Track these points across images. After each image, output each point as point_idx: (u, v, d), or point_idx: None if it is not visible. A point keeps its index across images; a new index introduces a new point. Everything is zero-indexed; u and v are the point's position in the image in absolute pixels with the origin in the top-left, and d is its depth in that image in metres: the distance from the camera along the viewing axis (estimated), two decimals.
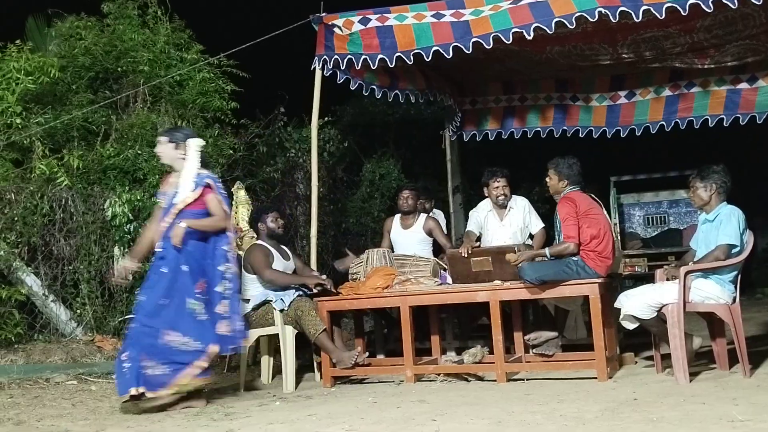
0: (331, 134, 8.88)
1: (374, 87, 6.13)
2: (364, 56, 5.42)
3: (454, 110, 7.43)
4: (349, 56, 5.47)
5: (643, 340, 5.06)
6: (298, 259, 5.47)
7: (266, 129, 8.31)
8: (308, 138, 6.83)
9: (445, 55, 5.18)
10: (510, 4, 5.06)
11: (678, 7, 4.69)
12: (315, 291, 5.17)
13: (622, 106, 7.10)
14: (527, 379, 4.60)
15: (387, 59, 5.37)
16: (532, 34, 4.95)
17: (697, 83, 6.87)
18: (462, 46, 5.13)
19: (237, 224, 6.14)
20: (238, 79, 7.72)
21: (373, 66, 5.53)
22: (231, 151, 7.42)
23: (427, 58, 5.28)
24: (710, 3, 4.60)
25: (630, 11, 4.74)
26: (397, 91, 6.35)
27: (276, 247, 5.27)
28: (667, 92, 6.98)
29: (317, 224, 5.85)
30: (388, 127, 10.38)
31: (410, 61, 5.38)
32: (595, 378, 4.38)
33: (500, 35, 5.01)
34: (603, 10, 4.76)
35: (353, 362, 4.84)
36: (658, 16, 4.73)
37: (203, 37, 8.01)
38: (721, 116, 6.85)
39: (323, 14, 5.66)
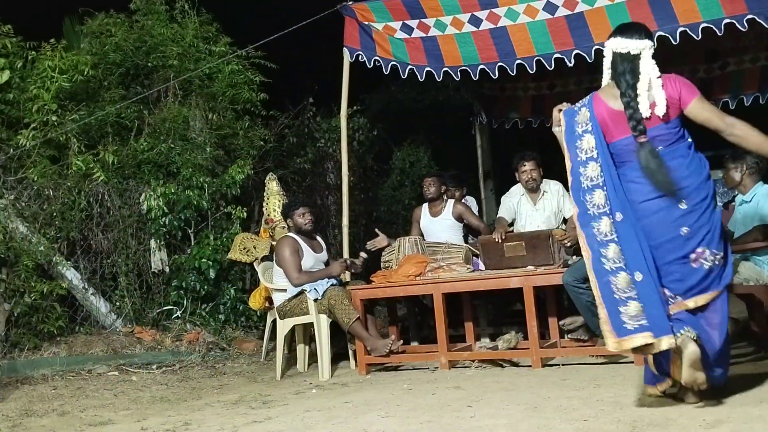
0: (361, 123, 8.88)
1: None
2: (410, 66, 5.60)
3: (476, 105, 7.50)
4: (393, 62, 5.65)
5: None
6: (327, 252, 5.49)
7: (296, 120, 8.35)
8: (338, 127, 6.84)
9: (492, 74, 5.38)
10: (546, 13, 5.06)
11: (714, 28, 4.69)
12: (347, 279, 5.20)
13: None
14: (562, 365, 4.58)
15: (435, 73, 5.55)
16: (573, 61, 5.09)
17: (731, 62, 6.72)
18: (507, 67, 5.29)
19: (268, 215, 6.20)
20: (266, 70, 7.76)
21: (421, 78, 5.67)
22: (261, 143, 7.47)
23: (474, 77, 5.49)
24: (744, 22, 4.62)
25: (668, 35, 4.73)
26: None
27: (307, 240, 5.28)
28: (701, 74, 6.85)
29: (349, 213, 5.88)
30: (417, 114, 10.35)
31: (457, 78, 5.65)
32: (632, 362, 4.34)
33: (543, 60, 5.14)
34: None
35: (388, 350, 4.87)
36: (695, 37, 4.75)
37: (230, 29, 8.05)
38: (756, 94, 6.73)
39: (350, 2, 5.67)
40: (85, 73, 6.64)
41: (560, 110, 3.43)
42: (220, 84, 7.40)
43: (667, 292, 3.13)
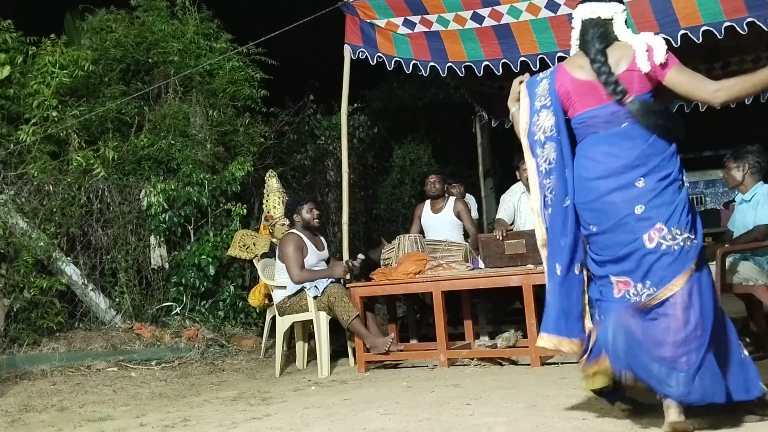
0: (361, 120, 8.88)
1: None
2: (414, 61, 5.62)
3: (475, 104, 7.50)
4: (396, 59, 5.66)
5: None
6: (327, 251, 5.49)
7: (296, 117, 8.35)
8: (338, 125, 6.84)
9: (495, 71, 5.42)
10: (548, 11, 5.07)
11: (714, 31, 4.70)
12: (347, 278, 5.20)
13: None
14: (561, 363, 4.57)
15: (439, 69, 5.57)
16: None
17: (733, 62, 6.72)
18: (511, 64, 5.33)
19: (268, 212, 6.20)
20: (267, 66, 7.76)
21: (425, 74, 5.71)
22: (262, 140, 7.47)
23: (479, 73, 5.50)
24: (744, 25, 4.64)
25: (669, 38, 4.74)
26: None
27: (311, 237, 5.28)
28: (702, 74, 6.85)
29: (348, 211, 5.88)
30: (418, 112, 10.36)
31: (462, 73, 5.62)
32: None
33: (546, 58, 5.16)
34: None
35: (387, 348, 4.87)
36: (696, 40, 4.76)
37: (231, 25, 8.05)
38: None
39: (351, 0, 5.67)
40: (86, 68, 6.64)
41: (521, 81, 3.10)
42: (220, 80, 7.40)
43: (624, 284, 2.79)
